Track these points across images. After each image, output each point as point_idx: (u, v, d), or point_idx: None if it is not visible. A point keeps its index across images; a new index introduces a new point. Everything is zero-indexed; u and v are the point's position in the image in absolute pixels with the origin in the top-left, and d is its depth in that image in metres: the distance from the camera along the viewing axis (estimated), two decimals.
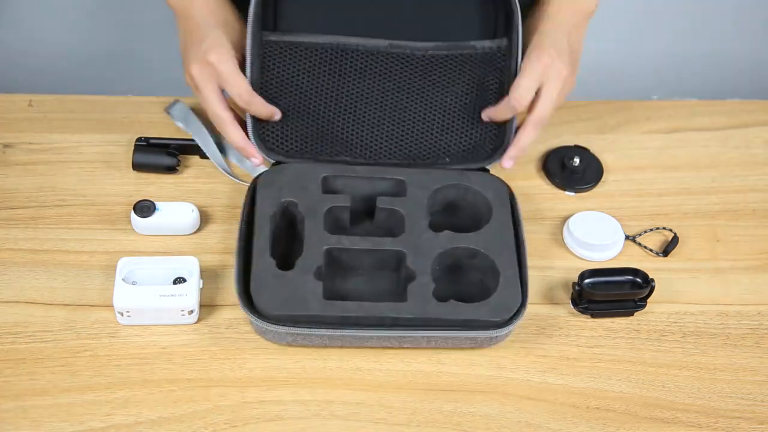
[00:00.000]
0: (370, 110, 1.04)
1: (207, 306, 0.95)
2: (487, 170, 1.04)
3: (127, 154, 1.07)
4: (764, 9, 1.90)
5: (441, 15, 1.04)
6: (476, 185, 1.00)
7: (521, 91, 1.00)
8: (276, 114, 1.01)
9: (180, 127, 1.09)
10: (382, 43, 1.03)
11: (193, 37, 1.00)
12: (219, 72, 0.98)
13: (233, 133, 1.00)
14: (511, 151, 1.02)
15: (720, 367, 0.95)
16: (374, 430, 0.88)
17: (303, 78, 1.03)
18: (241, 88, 0.98)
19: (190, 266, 0.94)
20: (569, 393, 0.92)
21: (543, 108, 1.00)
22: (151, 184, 1.05)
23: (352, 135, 1.03)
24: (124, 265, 0.93)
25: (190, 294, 0.92)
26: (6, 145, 1.07)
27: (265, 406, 0.89)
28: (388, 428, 0.88)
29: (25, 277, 0.96)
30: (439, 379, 0.92)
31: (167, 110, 1.10)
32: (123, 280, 0.92)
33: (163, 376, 0.90)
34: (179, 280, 0.93)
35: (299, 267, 0.92)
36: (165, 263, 0.94)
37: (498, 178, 1.02)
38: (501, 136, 1.03)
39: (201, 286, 0.93)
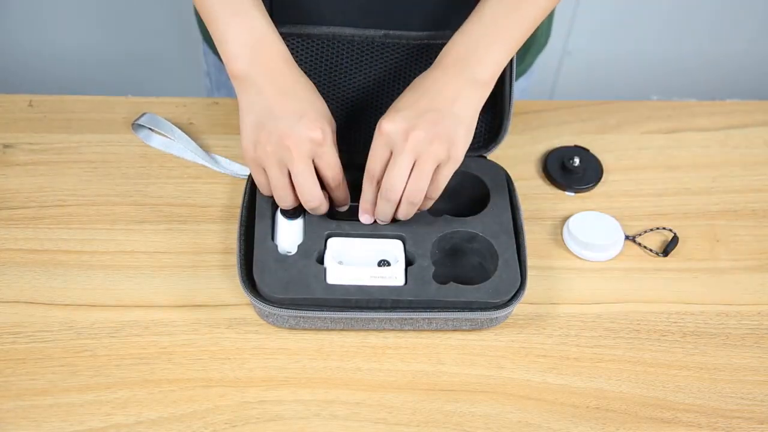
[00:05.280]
0: (366, 100, 1.04)
1: (207, 306, 0.95)
2: (485, 157, 1.05)
3: (127, 154, 1.07)
4: (764, 9, 1.90)
5: (434, 4, 1.04)
6: (474, 171, 1.02)
7: (369, 161, 0.92)
8: (345, 205, 0.97)
9: (154, 140, 1.08)
10: (376, 33, 1.03)
11: (279, 102, 0.91)
12: (321, 151, 0.90)
13: (324, 209, 0.95)
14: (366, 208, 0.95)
15: (720, 367, 0.95)
16: (374, 430, 0.88)
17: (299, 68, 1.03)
18: (337, 171, 0.93)
19: (394, 250, 0.95)
20: (569, 393, 0.92)
21: (390, 181, 0.90)
22: (151, 185, 1.05)
23: (348, 125, 1.04)
24: (333, 245, 0.94)
25: (398, 277, 0.93)
26: (6, 145, 1.07)
27: (265, 406, 0.89)
28: (388, 428, 0.88)
29: (25, 277, 0.96)
30: (439, 379, 0.92)
31: (136, 123, 1.08)
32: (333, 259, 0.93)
33: (163, 376, 0.90)
34: (384, 263, 0.94)
35: (301, 252, 0.93)
36: (370, 245, 0.95)
37: (495, 163, 1.03)
38: (497, 123, 1.04)
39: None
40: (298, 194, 0.93)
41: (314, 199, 0.93)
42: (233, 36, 0.91)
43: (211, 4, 0.92)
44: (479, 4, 0.95)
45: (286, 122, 0.89)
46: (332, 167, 0.92)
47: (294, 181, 0.92)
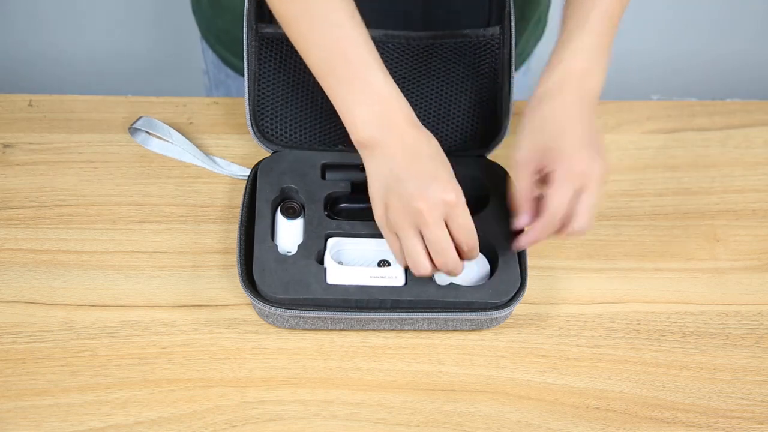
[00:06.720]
0: None
1: (207, 306, 0.95)
2: (485, 157, 1.05)
3: (127, 154, 1.07)
4: (764, 9, 1.90)
5: (435, 5, 1.04)
6: (474, 171, 1.01)
7: (557, 206, 0.89)
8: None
9: (152, 143, 1.08)
10: (377, 33, 1.03)
11: (408, 165, 0.88)
12: (455, 213, 0.87)
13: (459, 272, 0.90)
14: (523, 240, 0.94)
15: (720, 367, 0.95)
16: (374, 430, 0.88)
17: (299, 69, 1.03)
18: (471, 233, 0.89)
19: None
20: (569, 393, 0.92)
21: (582, 222, 0.89)
22: (151, 185, 1.05)
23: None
24: (333, 245, 0.94)
25: (398, 277, 0.92)
26: (6, 145, 1.07)
27: (265, 406, 0.89)
28: (388, 428, 0.88)
29: (25, 277, 0.96)
30: (439, 379, 0.92)
31: (132, 127, 1.07)
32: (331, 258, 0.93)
33: (163, 376, 0.90)
34: (384, 263, 0.94)
35: (301, 252, 0.93)
36: (370, 245, 0.94)
37: (496, 163, 1.03)
38: (497, 123, 1.04)
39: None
40: (434, 258, 0.88)
41: (451, 262, 0.88)
42: (357, 102, 0.88)
43: (330, 67, 0.89)
44: (577, 13, 0.93)
45: (417, 184, 0.86)
46: (466, 229, 0.88)
47: (428, 245, 0.88)
